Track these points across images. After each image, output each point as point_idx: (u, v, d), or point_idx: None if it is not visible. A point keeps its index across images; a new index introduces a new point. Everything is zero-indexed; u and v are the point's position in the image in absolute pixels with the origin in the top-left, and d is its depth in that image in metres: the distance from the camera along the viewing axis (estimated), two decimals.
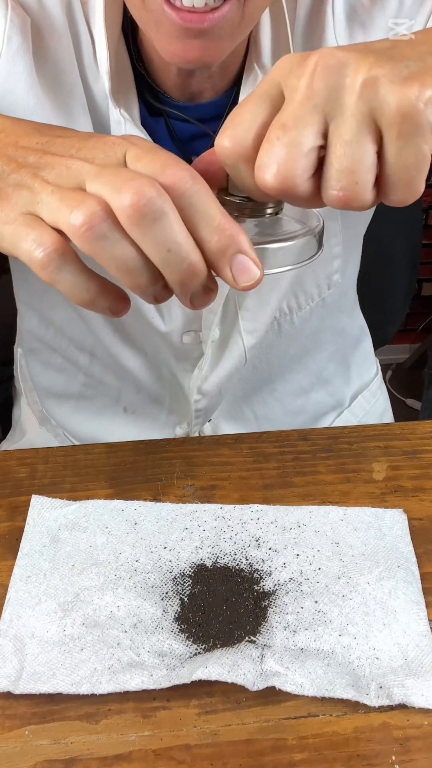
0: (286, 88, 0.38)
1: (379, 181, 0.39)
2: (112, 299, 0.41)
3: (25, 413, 1.02)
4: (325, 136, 0.38)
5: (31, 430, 1.01)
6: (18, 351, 1.02)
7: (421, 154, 0.36)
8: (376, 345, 1.23)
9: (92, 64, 0.69)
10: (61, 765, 0.51)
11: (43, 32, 0.67)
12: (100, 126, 0.70)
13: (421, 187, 0.38)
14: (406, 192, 0.38)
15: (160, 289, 0.41)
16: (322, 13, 0.68)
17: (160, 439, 0.76)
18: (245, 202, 0.44)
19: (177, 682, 0.54)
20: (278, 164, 0.38)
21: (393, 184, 0.38)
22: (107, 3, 0.66)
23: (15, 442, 1.02)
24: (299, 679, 0.54)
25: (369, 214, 0.87)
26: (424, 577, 0.62)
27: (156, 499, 0.68)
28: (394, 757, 0.51)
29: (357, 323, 1.02)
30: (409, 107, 0.35)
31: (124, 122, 0.68)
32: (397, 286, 1.16)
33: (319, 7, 0.68)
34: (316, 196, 0.39)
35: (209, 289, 0.41)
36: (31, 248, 0.38)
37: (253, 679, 0.54)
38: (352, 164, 0.37)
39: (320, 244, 0.46)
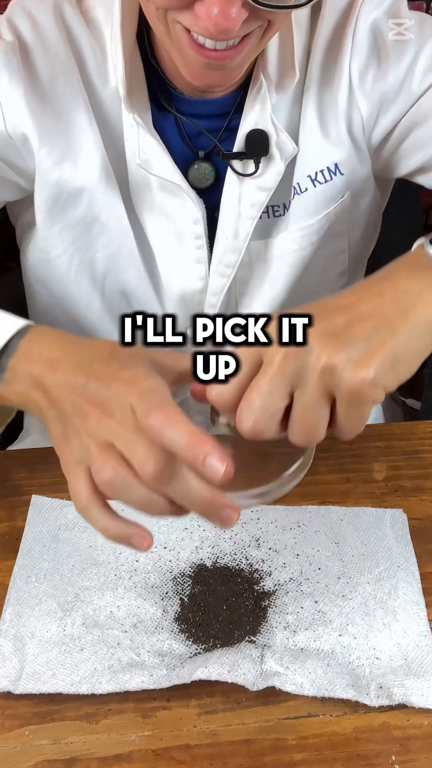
0: (265, 357, 0.48)
1: (331, 423, 0.48)
2: (134, 535, 0.50)
3: (35, 420, 1.03)
4: (291, 395, 0.48)
5: (40, 432, 1.02)
6: None
7: (363, 415, 0.47)
8: None
9: (98, 71, 0.70)
10: (61, 765, 0.51)
11: (32, 51, 0.68)
12: (108, 130, 0.71)
13: (361, 429, 0.49)
14: (350, 435, 0.49)
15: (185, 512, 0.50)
16: (343, 38, 0.70)
17: None
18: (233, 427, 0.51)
19: (177, 682, 0.54)
20: (253, 420, 0.48)
21: (341, 430, 0.49)
22: (124, 10, 0.67)
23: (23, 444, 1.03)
24: (299, 679, 0.54)
25: (374, 238, 0.89)
26: (424, 577, 0.62)
27: None
28: (394, 757, 0.51)
29: None
30: (357, 388, 0.45)
31: (137, 127, 0.69)
32: None
33: (342, 32, 0.70)
34: (283, 432, 0.49)
35: (227, 517, 0.49)
36: (73, 492, 0.49)
37: (253, 679, 0.54)
38: (311, 422, 0.47)
39: (311, 457, 0.55)
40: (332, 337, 0.47)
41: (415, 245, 0.54)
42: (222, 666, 0.54)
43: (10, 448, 1.04)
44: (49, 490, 0.69)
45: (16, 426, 1.09)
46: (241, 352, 0.49)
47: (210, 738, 0.52)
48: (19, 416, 1.09)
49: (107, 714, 0.54)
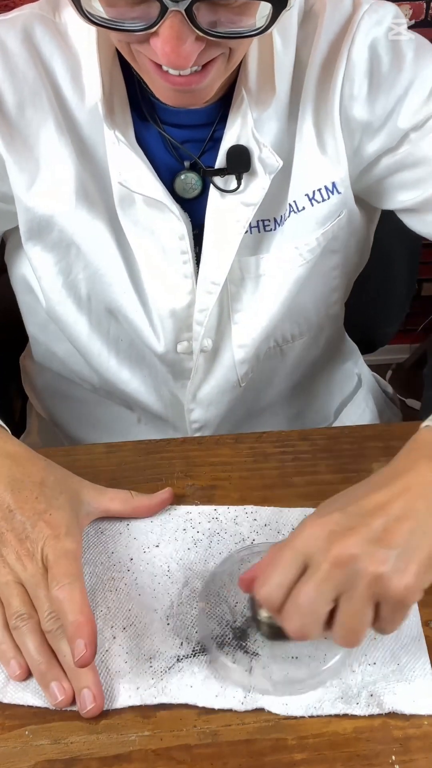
0: (311, 562, 0.50)
1: (372, 623, 0.51)
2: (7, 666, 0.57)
3: (34, 421, 1.04)
4: (336, 600, 0.49)
5: (40, 433, 1.02)
6: (29, 366, 1.02)
7: (403, 618, 0.51)
8: (377, 345, 1.23)
9: (74, 88, 0.70)
10: (61, 765, 0.51)
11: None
12: (87, 147, 0.71)
13: (400, 626, 0.52)
14: (391, 632, 0.52)
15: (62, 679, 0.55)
16: (340, 53, 0.70)
17: (160, 439, 0.76)
18: (275, 623, 0.53)
19: (164, 701, 0.54)
20: (300, 624, 0.50)
21: (383, 629, 0.51)
22: (99, 30, 0.66)
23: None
24: (287, 699, 0.54)
25: (367, 252, 0.89)
26: None
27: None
28: (394, 757, 0.51)
29: (348, 347, 1.04)
30: (403, 596, 0.49)
31: (118, 143, 0.69)
32: (397, 286, 1.16)
33: (338, 47, 0.70)
34: (326, 632, 0.51)
35: (83, 696, 0.54)
36: None
37: (241, 699, 0.54)
38: (356, 626, 0.50)
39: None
40: (375, 545, 0.49)
41: (422, 426, 0.58)
42: (209, 691, 0.54)
43: None
44: None
45: (19, 426, 1.09)
46: (286, 553, 0.51)
47: (210, 738, 0.53)
48: (22, 416, 1.09)
49: (107, 714, 0.54)
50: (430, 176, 0.73)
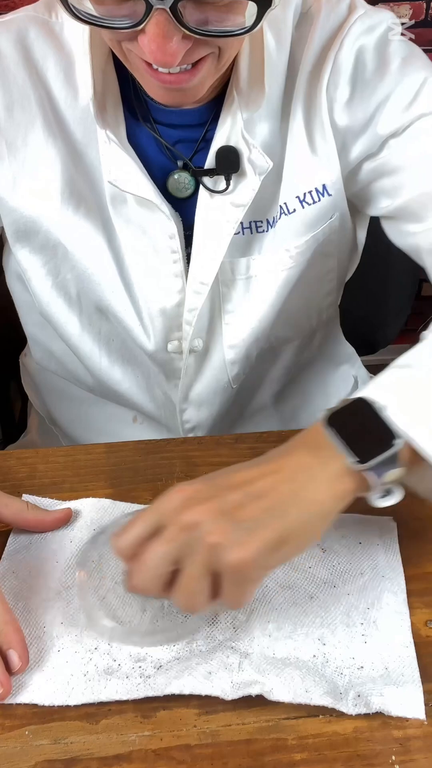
0: (164, 524, 0.51)
1: (216, 593, 0.51)
2: None
3: (34, 420, 1.04)
4: (179, 561, 0.51)
5: (39, 432, 1.02)
6: (29, 364, 1.02)
7: (244, 592, 0.51)
8: (378, 346, 1.23)
9: (66, 88, 0.70)
10: (61, 765, 0.51)
11: None
12: (78, 146, 0.71)
13: (243, 603, 0.53)
14: (233, 607, 0.54)
15: None
16: (327, 56, 0.70)
17: (160, 439, 0.76)
18: None
19: (150, 694, 0.54)
20: (141, 579, 0.52)
21: (223, 602, 0.52)
22: (93, 29, 0.67)
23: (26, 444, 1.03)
24: (275, 687, 0.54)
25: (358, 255, 0.89)
26: (423, 577, 0.62)
27: (156, 499, 0.68)
28: (394, 757, 0.51)
29: (344, 349, 1.04)
30: (236, 569, 0.49)
31: (109, 142, 0.69)
32: (398, 287, 1.16)
33: (327, 50, 0.70)
34: (167, 594, 0.52)
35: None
36: None
37: (229, 689, 0.54)
38: (192, 591, 0.51)
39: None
40: (222, 516, 0.50)
41: (320, 416, 0.57)
42: (196, 678, 0.54)
43: (11, 446, 1.04)
44: (49, 490, 0.69)
45: (19, 426, 1.09)
46: (146, 513, 0.53)
47: (210, 738, 0.52)
48: (23, 416, 1.09)
49: (107, 714, 0.54)
50: (405, 184, 0.73)
